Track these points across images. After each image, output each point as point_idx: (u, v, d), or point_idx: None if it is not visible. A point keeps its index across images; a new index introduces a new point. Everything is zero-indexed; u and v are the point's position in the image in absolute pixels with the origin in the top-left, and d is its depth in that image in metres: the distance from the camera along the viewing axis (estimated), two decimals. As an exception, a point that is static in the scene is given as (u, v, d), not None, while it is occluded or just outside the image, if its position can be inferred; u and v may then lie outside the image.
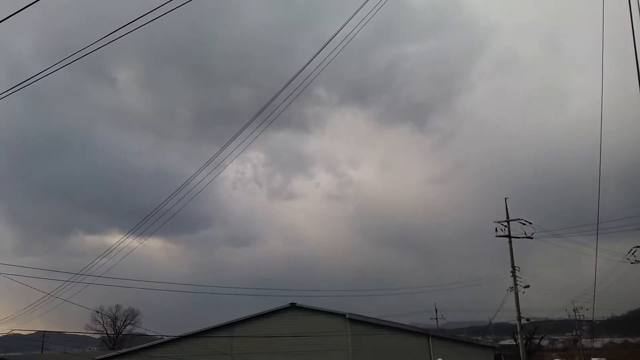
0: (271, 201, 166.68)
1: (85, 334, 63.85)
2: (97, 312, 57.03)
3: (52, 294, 21.99)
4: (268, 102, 14.50)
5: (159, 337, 31.27)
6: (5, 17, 7.27)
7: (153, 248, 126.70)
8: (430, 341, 25.35)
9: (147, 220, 20.81)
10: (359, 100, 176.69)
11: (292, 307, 26.93)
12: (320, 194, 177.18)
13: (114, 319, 61.10)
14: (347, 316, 25.74)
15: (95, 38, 8.19)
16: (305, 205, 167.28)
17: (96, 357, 28.45)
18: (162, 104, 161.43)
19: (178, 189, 19.15)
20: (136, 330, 58.69)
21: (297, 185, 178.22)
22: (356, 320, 25.86)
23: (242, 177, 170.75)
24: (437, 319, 58.25)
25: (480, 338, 53.84)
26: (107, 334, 60.37)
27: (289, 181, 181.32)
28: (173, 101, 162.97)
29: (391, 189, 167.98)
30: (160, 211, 20.84)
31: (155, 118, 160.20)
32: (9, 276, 19.29)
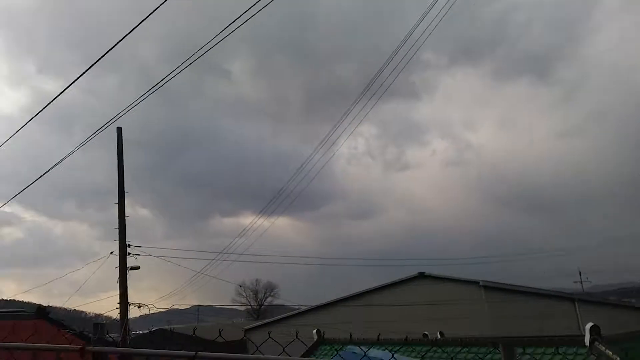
0: (387, 173, 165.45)
1: (232, 307, 70.02)
2: (240, 286, 62.32)
3: (201, 271, 24.52)
4: (375, 75, 14.34)
5: (297, 307, 33.28)
6: (133, 27, 8.03)
7: (281, 226, 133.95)
8: (577, 305, 23.60)
9: (274, 201, 22.07)
10: (470, 59, 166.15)
11: (421, 276, 26.83)
12: (437, 162, 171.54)
13: (256, 292, 66.30)
14: (480, 283, 24.96)
15: (207, 35, 8.70)
16: (422, 174, 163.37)
17: (245, 327, 31.17)
18: (274, 91, 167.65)
19: (297, 169, 19.91)
20: (276, 302, 63.09)
21: (412, 155, 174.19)
22: (491, 287, 24.97)
23: (355, 152, 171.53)
24: (581, 282, 53.81)
25: (634, 300, 48.78)
26: (250, 305, 65.84)
27: (403, 151, 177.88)
28: (284, 86, 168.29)
29: (515, 148, 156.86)
30: (285, 191, 21.93)
31: (270, 104, 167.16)
32: (166, 259, 21.89)
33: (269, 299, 66.40)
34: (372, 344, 5.82)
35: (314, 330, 12.44)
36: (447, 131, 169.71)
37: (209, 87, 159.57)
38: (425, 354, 5.87)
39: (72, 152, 13.66)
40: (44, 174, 13.15)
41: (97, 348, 2.89)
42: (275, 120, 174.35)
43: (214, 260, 26.34)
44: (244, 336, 27.62)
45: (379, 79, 14.62)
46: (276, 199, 22.58)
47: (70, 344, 3.13)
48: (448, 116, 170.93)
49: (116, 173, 19.01)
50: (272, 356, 3.11)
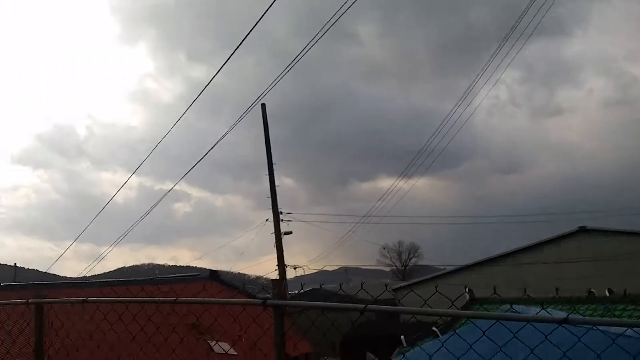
0: (535, 121, 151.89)
1: (378, 268, 71.85)
2: (384, 248, 63.49)
3: (347, 234, 25.55)
4: (522, 12, 13.18)
5: (442, 267, 32.95)
6: (269, 5, 8.39)
7: (419, 187, 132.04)
8: None
9: (413, 163, 21.83)
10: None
11: (582, 230, 24.59)
12: (594, 102, 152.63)
13: (399, 253, 66.98)
14: (653, 235, 22.13)
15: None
16: (577, 118, 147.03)
17: (393, 287, 31.86)
18: (404, 47, 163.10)
19: (438, 127, 19.31)
20: (421, 262, 63.15)
21: (564, 98, 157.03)
22: (668, 239, 21.99)
23: (496, 102, 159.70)
24: None
25: None
26: (395, 266, 66.83)
27: (553, 95, 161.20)
28: (413, 42, 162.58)
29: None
30: (423, 151, 21.49)
31: (400, 62, 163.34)
32: (314, 223, 23.26)
33: (413, 259, 66.67)
34: (539, 302, 5.51)
35: (466, 289, 12.12)
36: (604, 66, 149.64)
37: (338, 53, 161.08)
38: (610, 311, 5.31)
39: (228, 131, 15.01)
40: (206, 154, 14.65)
41: (276, 301, 3.14)
42: (407, 78, 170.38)
43: (358, 224, 27.14)
44: (409, 290, 28.08)
45: (517, 18, 13.38)
46: (415, 160, 22.33)
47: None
48: (605, 49, 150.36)
49: (263, 147, 20.42)
50: (441, 309, 3.15)
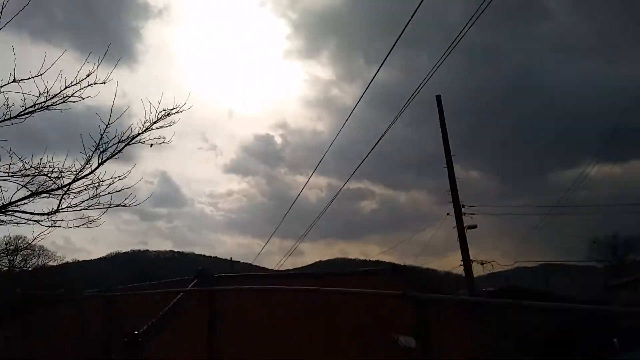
0: None
1: (586, 264, 63.29)
2: (594, 242, 55.79)
3: (533, 229, 23.24)
4: None
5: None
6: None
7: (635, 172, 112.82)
8: None
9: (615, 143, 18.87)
10: None
11: None
12: None
13: (613, 248, 58.05)
14: None
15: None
16: None
17: (608, 284, 28.04)
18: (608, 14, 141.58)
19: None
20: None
21: None
22: None
23: None
24: None
25: None
26: (609, 262, 57.96)
27: None
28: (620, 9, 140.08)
29: None
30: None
31: (604, 32, 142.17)
32: (502, 216, 21.72)
33: (631, 255, 57.17)
34: None
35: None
36: None
37: (525, 33, 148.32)
38: None
39: (391, 124, 15.00)
40: (372, 149, 14.85)
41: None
42: (612, 51, 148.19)
43: (547, 215, 24.50)
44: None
45: None
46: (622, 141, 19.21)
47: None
48: None
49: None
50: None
